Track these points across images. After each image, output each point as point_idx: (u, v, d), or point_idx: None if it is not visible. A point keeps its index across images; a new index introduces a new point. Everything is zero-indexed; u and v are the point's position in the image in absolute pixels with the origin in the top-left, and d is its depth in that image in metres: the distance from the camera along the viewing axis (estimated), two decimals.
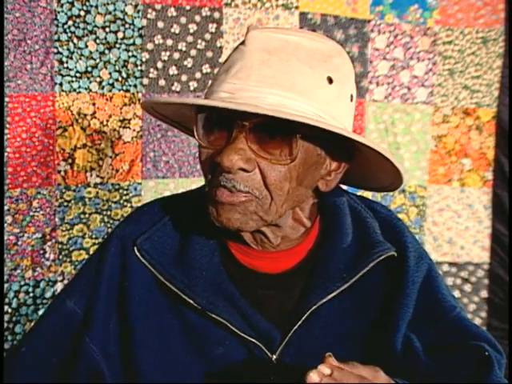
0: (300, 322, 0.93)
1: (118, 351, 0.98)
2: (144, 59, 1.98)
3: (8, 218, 1.82)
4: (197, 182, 2.09)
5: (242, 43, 0.90)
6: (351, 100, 0.93)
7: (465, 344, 0.99)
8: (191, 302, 0.93)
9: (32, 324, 1.13)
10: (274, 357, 0.94)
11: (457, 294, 2.39)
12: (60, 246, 1.92)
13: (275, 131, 0.85)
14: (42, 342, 1.00)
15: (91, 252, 1.98)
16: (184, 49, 2.04)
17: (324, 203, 1.01)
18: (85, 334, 0.97)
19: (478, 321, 2.32)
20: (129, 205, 2.02)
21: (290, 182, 0.88)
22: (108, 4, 1.91)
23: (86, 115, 1.92)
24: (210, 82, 2.09)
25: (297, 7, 2.15)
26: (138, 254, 0.97)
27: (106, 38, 1.92)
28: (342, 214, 1.00)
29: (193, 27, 2.04)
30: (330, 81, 0.87)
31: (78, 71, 1.88)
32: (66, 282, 1.93)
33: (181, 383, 0.95)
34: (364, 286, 0.96)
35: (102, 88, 1.93)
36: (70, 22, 1.85)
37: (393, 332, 0.95)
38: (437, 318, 1.00)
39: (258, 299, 0.96)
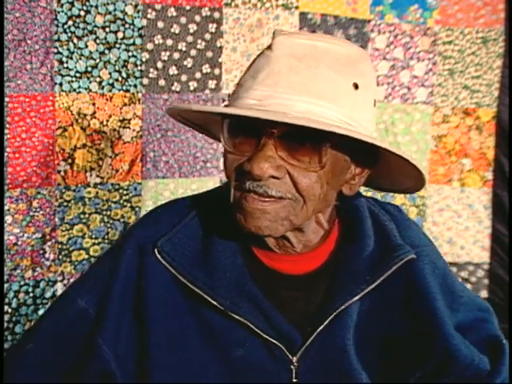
0: (324, 324, 0.93)
1: (128, 352, 0.97)
2: (144, 59, 1.98)
3: (8, 218, 1.82)
4: (196, 182, 2.09)
5: (269, 48, 0.89)
6: (374, 105, 0.94)
7: (480, 328, 1.05)
8: (215, 303, 0.92)
9: (35, 322, 1.12)
10: (295, 359, 0.94)
11: None
12: (60, 246, 1.92)
13: (304, 139, 0.85)
14: (50, 340, 0.99)
15: (91, 252, 1.98)
16: (184, 49, 2.04)
17: (343, 206, 1.01)
18: (97, 335, 0.96)
19: None
20: (129, 205, 2.02)
21: (321, 187, 0.88)
22: (108, 4, 1.91)
23: (85, 115, 1.92)
24: (210, 82, 2.09)
25: (297, 7, 2.15)
26: (158, 256, 0.95)
27: (105, 38, 1.92)
28: (363, 216, 1.01)
29: (193, 27, 2.04)
30: (356, 87, 0.88)
31: (77, 71, 1.88)
32: (66, 282, 1.93)
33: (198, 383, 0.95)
34: (383, 288, 0.96)
35: (102, 88, 1.93)
36: (70, 22, 1.85)
37: (439, 330, 0.97)
38: (456, 309, 1.03)
39: (280, 300, 0.96)
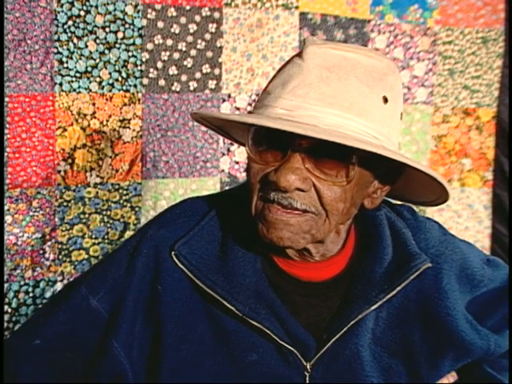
0: (342, 332, 0.93)
1: (141, 353, 0.97)
2: (144, 59, 1.98)
3: (8, 218, 1.82)
4: (196, 181, 2.09)
5: (299, 57, 0.88)
6: (400, 118, 0.93)
7: (502, 303, 1.07)
8: (233, 309, 0.91)
9: (40, 312, 1.09)
10: (309, 365, 0.94)
11: None
12: (60, 246, 1.92)
13: (333, 152, 0.84)
14: (59, 338, 0.98)
15: (91, 252, 1.98)
16: (184, 49, 2.04)
17: (361, 212, 0.99)
18: (111, 337, 0.95)
19: None
20: (129, 205, 2.02)
21: (344, 202, 0.87)
22: (108, 4, 1.91)
23: (85, 115, 1.92)
24: (210, 82, 2.09)
25: (297, 7, 2.15)
26: (175, 259, 0.94)
27: (105, 38, 1.92)
28: (382, 225, 1.00)
29: (193, 27, 2.04)
30: (386, 100, 0.87)
31: (77, 71, 1.88)
32: (66, 282, 1.93)
33: None
34: (400, 295, 0.97)
35: (102, 88, 1.93)
36: (70, 22, 1.85)
37: (452, 330, 0.98)
38: (476, 291, 1.05)
39: (296, 307, 0.96)
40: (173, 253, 0.94)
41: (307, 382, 0.95)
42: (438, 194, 0.95)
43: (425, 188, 0.96)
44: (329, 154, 0.84)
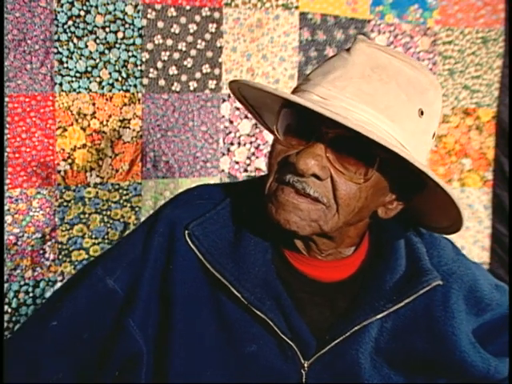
0: (344, 336, 0.93)
1: (154, 335, 0.97)
2: (144, 59, 1.98)
3: (8, 218, 1.82)
4: (196, 181, 2.09)
5: (347, 51, 0.89)
6: (432, 137, 0.93)
7: (504, 328, 1.04)
8: (239, 295, 0.91)
9: (56, 295, 1.08)
10: (307, 363, 0.94)
11: None
12: (60, 246, 1.92)
13: (356, 148, 0.84)
14: (76, 318, 0.98)
15: (91, 252, 1.98)
16: (184, 49, 2.04)
17: (377, 221, 0.99)
18: (128, 315, 0.95)
19: None
20: (129, 205, 2.02)
21: (357, 200, 0.87)
22: (108, 4, 1.91)
23: (85, 115, 1.92)
24: (210, 82, 2.09)
25: (297, 7, 2.15)
26: (188, 239, 0.95)
27: (105, 38, 1.92)
28: (397, 236, 1.00)
29: (193, 27, 2.04)
30: (421, 113, 0.87)
31: (77, 71, 1.88)
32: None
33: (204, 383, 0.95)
34: (407, 307, 0.96)
35: (102, 88, 1.93)
36: (70, 22, 1.85)
37: (455, 349, 0.97)
38: (482, 315, 1.03)
39: (301, 303, 0.96)
40: (186, 232, 0.95)
41: (303, 380, 0.94)
42: (452, 221, 0.95)
43: (440, 213, 0.95)
44: (352, 149, 0.84)
